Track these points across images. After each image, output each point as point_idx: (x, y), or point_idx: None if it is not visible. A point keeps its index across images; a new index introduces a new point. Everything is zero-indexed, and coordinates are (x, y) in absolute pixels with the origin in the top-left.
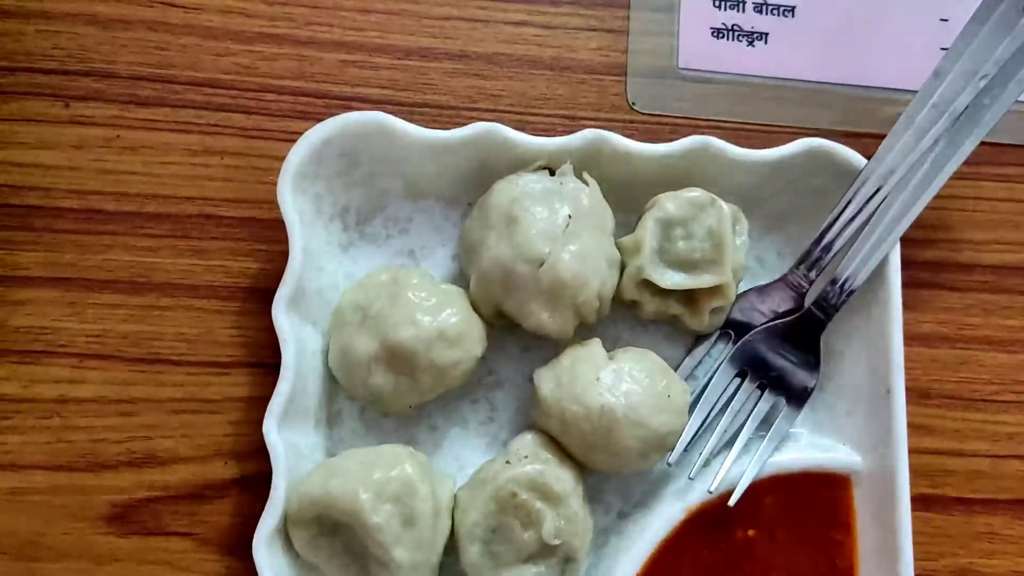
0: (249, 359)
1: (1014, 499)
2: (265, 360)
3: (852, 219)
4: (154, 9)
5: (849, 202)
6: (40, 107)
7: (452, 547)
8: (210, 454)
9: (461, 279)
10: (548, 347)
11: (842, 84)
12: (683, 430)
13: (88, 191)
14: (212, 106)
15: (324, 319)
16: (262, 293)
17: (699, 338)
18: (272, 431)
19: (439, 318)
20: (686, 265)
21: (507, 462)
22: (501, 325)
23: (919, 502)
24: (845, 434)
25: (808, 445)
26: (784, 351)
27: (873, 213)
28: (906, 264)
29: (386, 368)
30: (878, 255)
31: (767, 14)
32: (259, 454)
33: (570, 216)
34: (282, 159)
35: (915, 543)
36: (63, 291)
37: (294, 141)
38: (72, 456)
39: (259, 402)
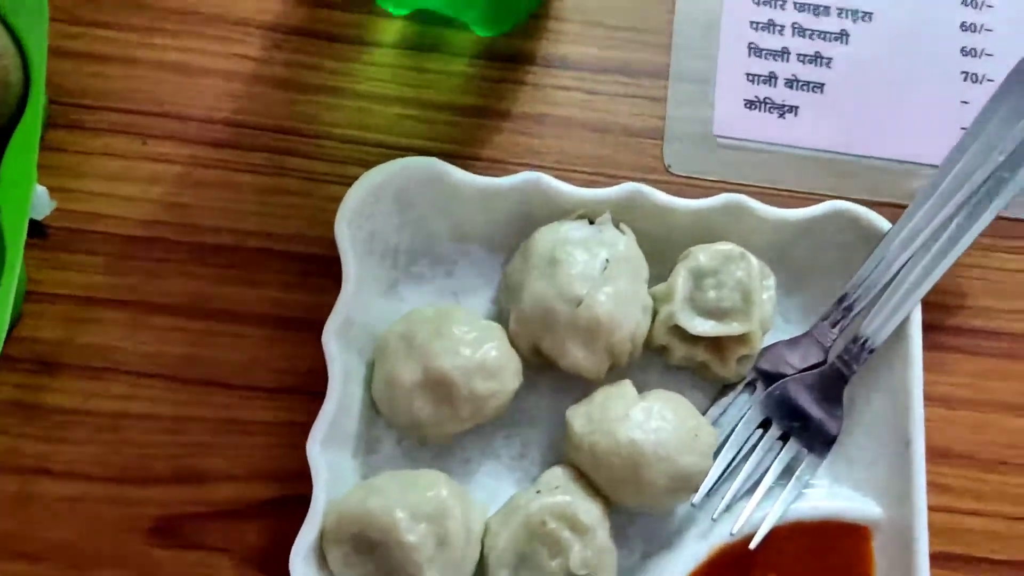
0: (294, 386)
1: None
2: (309, 388)
3: (875, 280)
4: (230, 60)
5: (872, 264)
6: (120, 143)
7: (480, 574)
8: (251, 475)
9: (500, 319)
10: (580, 389)
11: (867, 156)
12: (708, 472)
13: (158, 222)
14: (277, 150)
15: (369, 350)
16: (310, 324)
17: (725, 387)
18: (315, 448)
19: (480, 351)
20: (715, 314)
21: (538, 492)
22: (537, 364)
23: (937, 560)
24: (865, 486)
25: (829, 495)
26: (808, 402)
27: (895, 276)
28: (926, 328)
29: (427, 396)
30: (899, 316)
31: (797, 89)
32: (298, 477)
33: (608, 261)
34: (339, 201)
35: None
36: (126, 312)
37: (350, 185)
38: (123, 469)
39: (301, 427)
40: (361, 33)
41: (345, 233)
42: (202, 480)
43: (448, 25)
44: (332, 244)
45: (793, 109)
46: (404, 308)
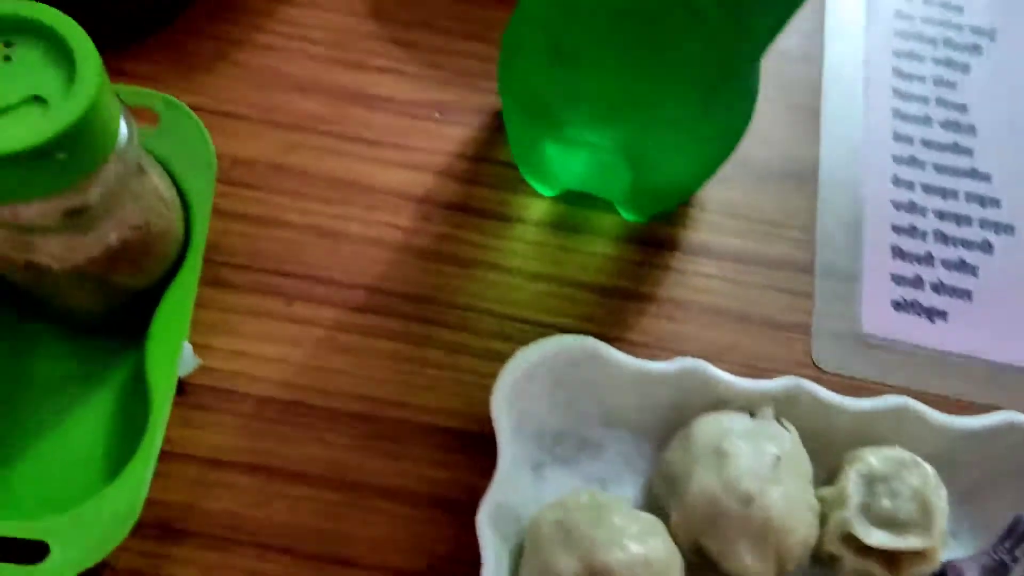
0: (429, 570)
1: None
2: (445, 572)
3: None
4: (379, 229)
5: None
6: (265, 303)
7: None
8: None
9: (651, 512)
10: None
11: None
12: None
13: (297, 385)
14: (421, 319)
15: (511, 533)
16: (450, 504)
17: None
18: None
19: (645, 546)
20: (891, 524)
21: None
22: (695, 564)
23: None
24: None
25: None
26: None
27: None
28: None
29: None
30: None
31: (944, 295)
32: None
33: (779, 457)
34: (483, 375)
35: None
36: (257, 479)
37: (495, 359)
38: None
39: None
40: (509, 210)
41: (502, 410)
42: None
43: (595, 207)
44: (473, 419)
45: (942, 314)
46: (548, 491)
